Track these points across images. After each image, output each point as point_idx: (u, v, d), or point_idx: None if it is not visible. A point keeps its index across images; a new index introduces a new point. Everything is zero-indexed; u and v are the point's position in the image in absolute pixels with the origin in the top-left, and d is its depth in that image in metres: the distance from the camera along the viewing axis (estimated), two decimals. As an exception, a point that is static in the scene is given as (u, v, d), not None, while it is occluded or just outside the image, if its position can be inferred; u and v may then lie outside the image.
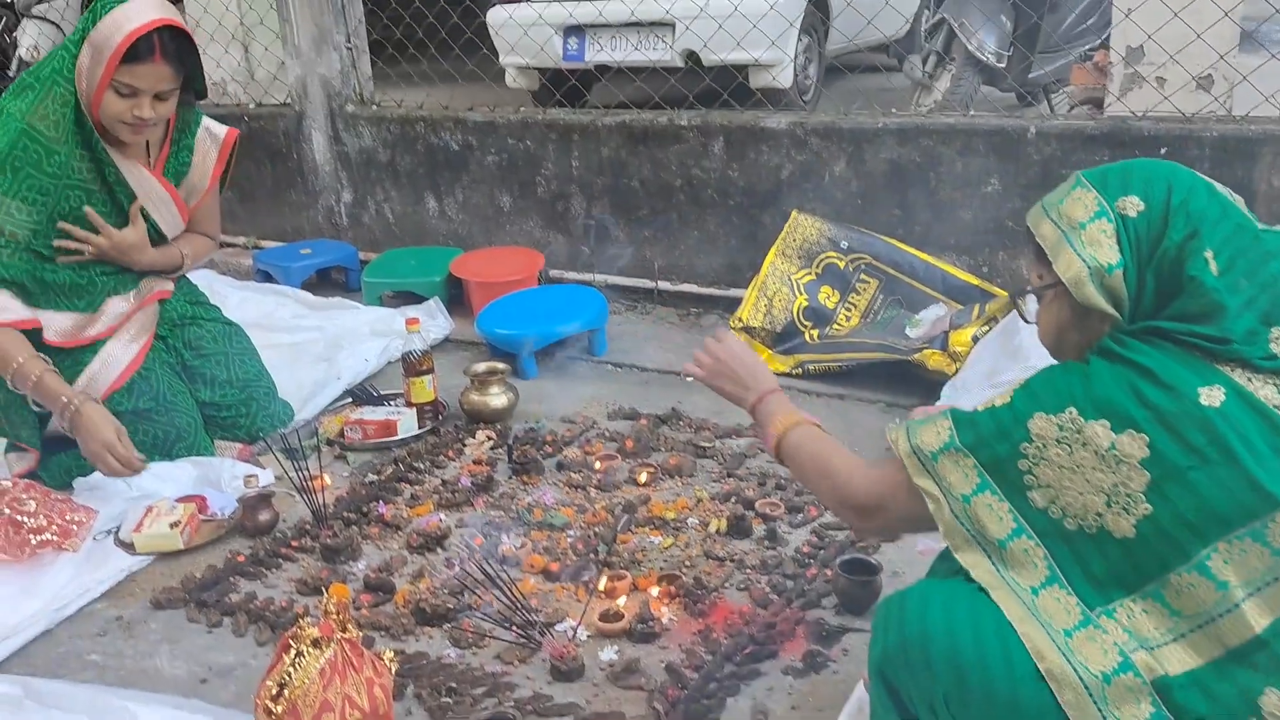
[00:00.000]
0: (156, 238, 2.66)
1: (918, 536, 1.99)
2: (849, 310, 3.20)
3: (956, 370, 2.71)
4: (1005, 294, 3.05)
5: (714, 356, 1.74)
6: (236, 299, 3.68)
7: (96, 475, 2.41)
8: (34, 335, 2.41)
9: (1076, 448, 1.22)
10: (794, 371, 3.05)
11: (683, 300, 3.72)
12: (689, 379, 1.79)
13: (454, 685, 1.80)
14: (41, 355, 2.38)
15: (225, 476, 2.52)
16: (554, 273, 3.88)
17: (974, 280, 3.16)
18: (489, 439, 2.74)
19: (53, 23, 6.23)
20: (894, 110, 3.41)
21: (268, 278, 4.08)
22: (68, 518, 2.23)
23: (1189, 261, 1.22)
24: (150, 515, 2.30)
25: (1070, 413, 1.23)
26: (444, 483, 2.54)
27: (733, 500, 2.38)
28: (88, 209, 2.48)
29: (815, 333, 3.17)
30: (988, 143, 3.12)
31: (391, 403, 2.98)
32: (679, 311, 3.71)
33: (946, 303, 3.11)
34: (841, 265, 3.22)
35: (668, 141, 3.60)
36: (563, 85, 5.49)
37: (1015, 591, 1.25)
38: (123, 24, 2.31)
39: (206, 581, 2.17)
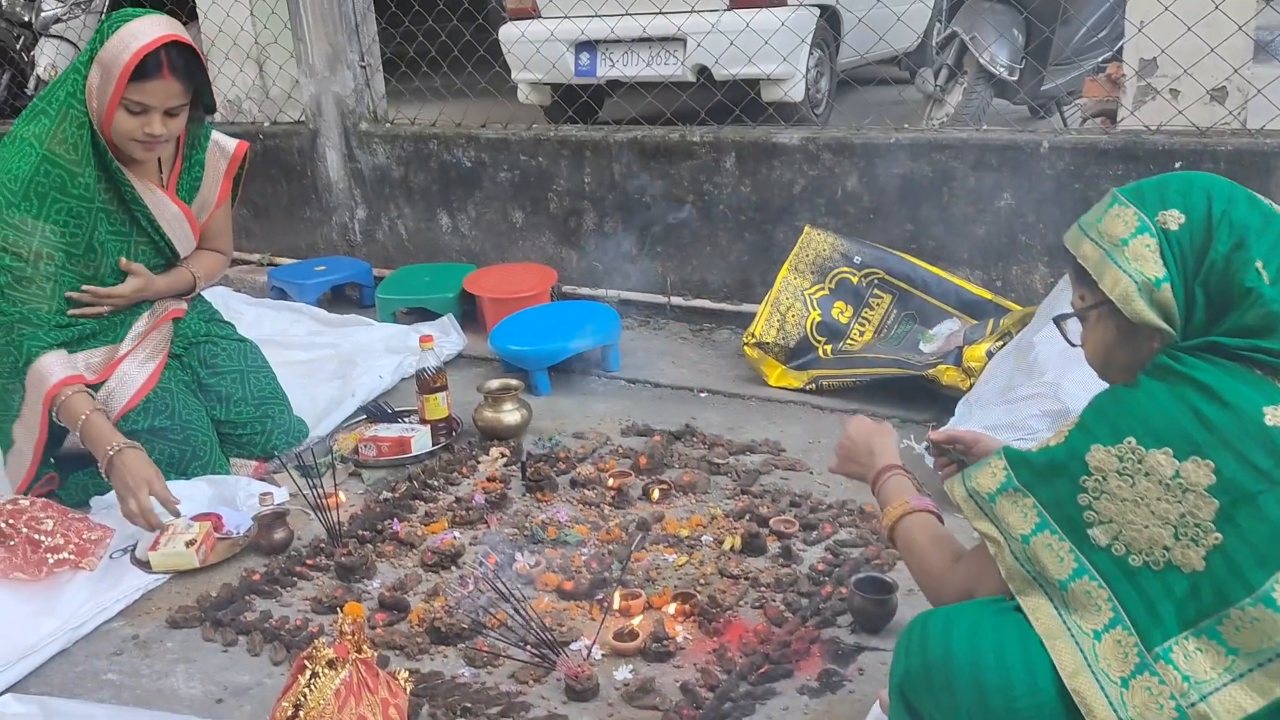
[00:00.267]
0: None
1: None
2: (862, 325, 3.20)
3: (971, 386, 2.69)
4: (1019, 309, 3.04)
5: (844, 440, 1.76)
6: (251, 316, 3.70)
7: (113, 494, 2.42)
8: None
9: (1139, 478, 1.18)
10: (807, 387, 3.05)
11: (695, 315, 3.73)
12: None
13: (469, 705, 1.80)
14: (88, 390, 2.41)
15: (240, 494, 2.53)
16: (567, 288, 3.89)
17: (988, 295, 3.16)
18: (503, 456, 2.74)
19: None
20: (906, 125, 3.42)
21: (282, 295, 4.10)
22: (85, 536, 2.24)
23: (1241, 273, 1.19)
24: (166, 534, 2.30)
25: (1129, 442, 1.19)
26: (458, 500, 2.54)
27: (747, 517, 2.37)
28: (122, 260, 2.54)
29: (829, 348, 3.17)
30: (1000, 157, 3.12)
31: (405, 419, 2.98)
32: (692, 327, 3.71)
33: (960, 318, 3.10)
34: (855, 280, 3.22)
35: (680, 157, 3.60)
36: (575, 101, 5.52)
37: (1075, 640, 1.21)
38: (130, 42, 2.33)
39: (222, 600, 2.18)
